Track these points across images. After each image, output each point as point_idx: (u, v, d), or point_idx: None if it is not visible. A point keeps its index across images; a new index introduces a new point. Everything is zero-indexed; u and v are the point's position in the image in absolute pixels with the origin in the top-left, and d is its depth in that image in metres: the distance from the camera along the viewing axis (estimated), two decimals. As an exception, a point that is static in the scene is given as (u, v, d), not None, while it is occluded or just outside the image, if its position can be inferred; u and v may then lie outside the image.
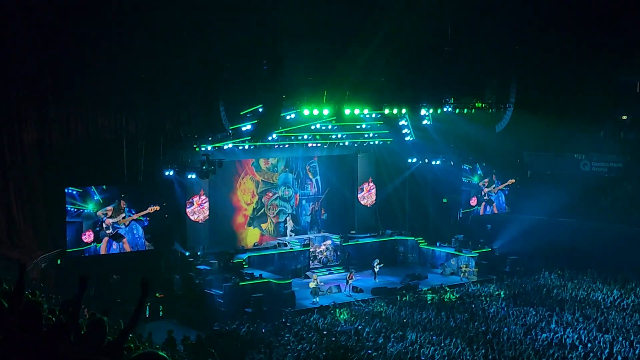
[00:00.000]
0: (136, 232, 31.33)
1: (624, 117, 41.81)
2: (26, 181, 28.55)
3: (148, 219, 31.24)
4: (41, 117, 28.67)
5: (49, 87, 28.59)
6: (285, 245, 35.90)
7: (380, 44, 30.82)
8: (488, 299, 30.62)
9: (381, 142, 39.42)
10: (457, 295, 31.33)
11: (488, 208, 40.95)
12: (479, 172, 40.50)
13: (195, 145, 31.67)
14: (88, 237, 29.93)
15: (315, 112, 31.40)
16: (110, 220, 30.32)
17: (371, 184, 40.75)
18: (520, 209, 40.28)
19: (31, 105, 28.46)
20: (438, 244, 38.33)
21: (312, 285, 31.99)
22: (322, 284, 32.45)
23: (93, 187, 29.90)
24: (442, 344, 23.64)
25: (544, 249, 36.65)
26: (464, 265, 36.00)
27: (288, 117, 32.49)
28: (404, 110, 35.51)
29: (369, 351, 22.89)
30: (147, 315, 28.80)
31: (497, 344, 23.65)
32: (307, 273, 34.12)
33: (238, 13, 29.47)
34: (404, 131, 37.91)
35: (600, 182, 39.81)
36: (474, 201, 40.55)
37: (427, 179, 39.95)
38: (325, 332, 25.06)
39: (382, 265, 35.43)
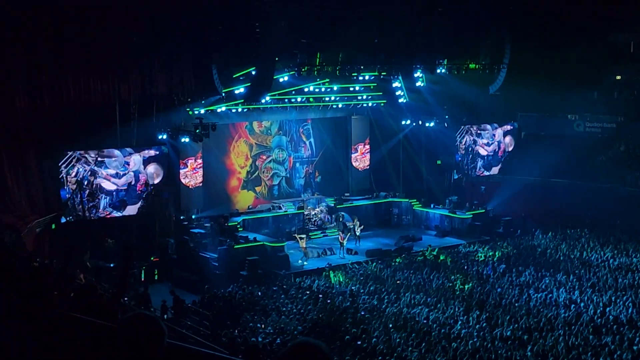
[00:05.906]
0: None
1: (618, 77, 41.76)
2: (18, 146, 28.37)
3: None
4: (33, 81, 28.38)
5: (40, 51, 28.26)
6: (280, 207, 35.92)
7: (374, 5, 30.60)
8: (482, 259, 30.79)
9: (375, 104, 39.28)
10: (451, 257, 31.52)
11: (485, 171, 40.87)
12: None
13: (188, 109, 31.57)
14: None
15: (309, 74, 31.26)
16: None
17: (367, 145, 40.65)
18: (513, 170, 40.32)
19: (23, 69, 28.16)
20: (432, 205, 38.41)
21: (302, 245, 32.14)
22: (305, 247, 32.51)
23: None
24: (437, 306, 23.83)
25: (538, 210, 36.76)
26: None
27: (281, 80, 32.34)
28: (397, 72, 35.35)
29: (363, 312, 23.05)
30: (143, 279, 28.99)
31: (491, 304, 23.85)
32: (301, 236, 33.85)
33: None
34: (397, 93, 37.75)
35: (594, 143, 39.79)
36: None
37: (420, 141, 39.86)
38: (320, 295, 25.19)
39: (362, 227, 34.67)
